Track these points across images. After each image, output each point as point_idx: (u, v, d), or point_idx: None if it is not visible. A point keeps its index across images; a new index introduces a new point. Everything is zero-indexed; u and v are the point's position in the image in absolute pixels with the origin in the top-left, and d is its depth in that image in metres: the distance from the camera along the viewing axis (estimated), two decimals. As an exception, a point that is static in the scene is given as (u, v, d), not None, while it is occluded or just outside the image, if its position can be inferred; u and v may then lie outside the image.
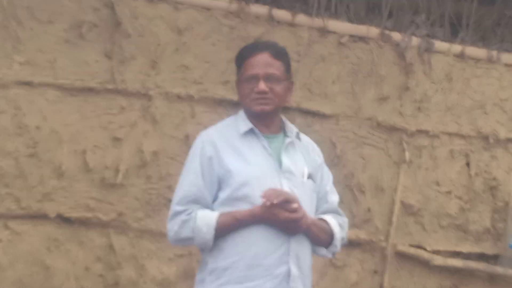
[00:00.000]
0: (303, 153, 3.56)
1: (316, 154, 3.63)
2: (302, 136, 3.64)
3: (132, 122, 4.98)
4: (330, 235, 3.49)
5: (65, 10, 4.85)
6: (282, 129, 3.56)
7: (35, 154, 4.82)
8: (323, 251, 3.53)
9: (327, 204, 3.57)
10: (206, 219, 3.33)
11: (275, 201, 3.22)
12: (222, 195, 3.39)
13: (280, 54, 3.48)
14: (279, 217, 3.27)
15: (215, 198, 3.41)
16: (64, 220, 4.91)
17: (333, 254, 3.58)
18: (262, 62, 3.42)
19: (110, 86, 4.93)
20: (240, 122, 3.49)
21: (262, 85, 3.40)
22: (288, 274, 3.32)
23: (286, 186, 3.38)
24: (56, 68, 4.83)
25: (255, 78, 3.41)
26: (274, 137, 3.50)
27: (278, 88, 3.44)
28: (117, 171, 4.95)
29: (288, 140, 3.50)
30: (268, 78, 3.41)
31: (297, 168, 3.45)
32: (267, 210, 3.26)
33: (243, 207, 3.33)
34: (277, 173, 3.40)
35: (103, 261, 4.99)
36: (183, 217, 3.37)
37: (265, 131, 3.48)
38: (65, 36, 4.86)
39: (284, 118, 3.58)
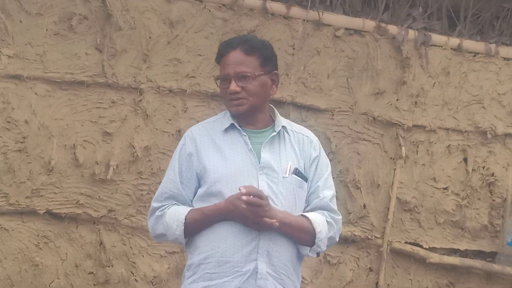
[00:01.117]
0: (296, 147, 3.51)
1: (312, 147, 3.54)
2: (301, 130, 3.58)
3: (123, 116, 4.98)
4: (312, 235, 3.40)
5: (55, 3, 4.84)
6: (273, 124, 3.52)
7: (24, 149, 4.83)
8: (306, 250, 3.45)
9: (317, 200, 3.49)
10: (176, 215, 3.36)
11: (243, 195, 3.20)
12: (200, 191, 3.40)
13: (253, 48, 3.42)
14: (240, 210, 3.23)
15: (195, 195, 3.43)
16: (53, 216, 4.93)
17: (318, 254, 3.50)
18: (233, 61, 3.39)
19: (100, 80, 4.93)
20: (225, 118, 3.49)
21: (233, 86, 3.38)
22: (255, 272, 3.29)
23: (263, 182, 3.35)
24: (45, 62, 4.84)
25: (227, 78, 3.40)
26: (260, 132, 3.47)
27: (251, 86, 3.39)
28: (107, 166, 4.96)
29: (271, 134, 3.47)
30: (239, 77, 3.38)
31: (279, 164, 3.40)
32: (230, 203, 3.25)
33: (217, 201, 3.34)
34: (255, 169, 3.37)
35: (93, 258, 4.99)
36: (157, 213, 3.42)
37: (249, 127, 3.46)
38: (55, 28, 4.86)
39: (276, 113, 3.55)
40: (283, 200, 3.36)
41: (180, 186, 3.41)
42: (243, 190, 3.22)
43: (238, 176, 3.34)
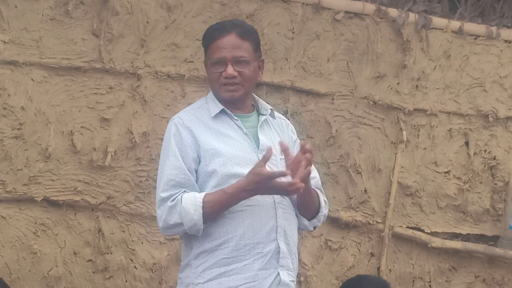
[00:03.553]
0: (278, 130, 3.54)
1: (290, 130, 3.61)
2: (277, 114, 3.62)
3: (121, 102, 4.94)
4: (317, 208, 3.49)
5: (51, -13, 4.80)
6: (254, 108, 3.54)
7: (20, 135, 4.79)
8: (305, 221, 3.50)
9: (312, 181, 3.49)
10: (193, 200, 3.28)
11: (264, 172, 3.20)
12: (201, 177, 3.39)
13: (248, 33, 3.43)
14: (266, 176, 3.20)
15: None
16: (51, 203, 4.89)
17: (314, 227, 3.56)
18: (230, 44, 3.37)
19: (97, 65, 4.89)
20: (210, 104, 3.46)
21: (230, 69, 3.36)
22: (277, 251, 3.31)
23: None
24: (41, 47, 4.79)
25: (223, 62, 3.38)
26: (247, 116, 3.49)
27: (247, 71, 3.40)
28: (105, 153, 4.92)
29: (263, 118, 3.49)
30: (236, 61, 3.38)
31: (273, 146, 3.38)
32: (252, 173, 3.21)
33: (222, 186, 3.32)
34: (255, 152, 3.39)
35: (92, 245, 4.97)
36: (169, 203, 3.32)
37: (238, 112, 3.47)
38: (51, 13, 4.80)
39: (255, 96, 3.56)
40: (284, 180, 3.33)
41: (187, 171, 3.34)
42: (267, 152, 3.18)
43: (240, 160, 3.32)
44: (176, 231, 3.37)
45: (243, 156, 3.34)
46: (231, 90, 3.38)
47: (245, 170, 3.28)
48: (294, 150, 3.47)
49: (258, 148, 3.40)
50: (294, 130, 3.63)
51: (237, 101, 3.43)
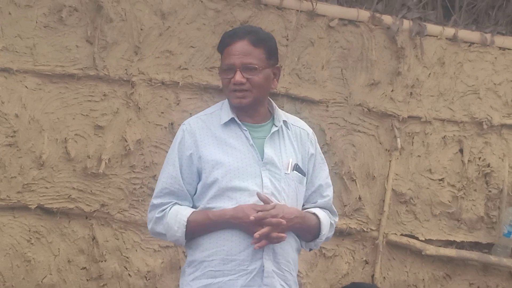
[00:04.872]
0: (294, 142, 3.50)
1: (309, 141, 3.55)
2: (296, 122, 3.58)
3: (115, 109, 4.95)
4: (315, 235, 3.48)
5: (44, -6, 4.80)
6: (271, 117, 3.51)
7: (14, 143, 4.79)
8: (302, 242, 3.51)
9: (322, 200, 3.54)
10: (178, 217, 3.34)
11: (251, 217, 3.23)
12: (201, 187, 3.39)
13: (261, 40, 3.41)
14: (249, 220, 3.25)
15: (195, 191, 3.41)
16: (45, 211, 4.90)
17: (310, 249, 3.58)
18: (240, 51, 3.36)
19: (91, 73, 4.90)
20: (223, 111, 3.45)
21: (238, 76, 3.35)
22: (262, 270, 3.30)
23: (266, 179, 3.35)
24: (35, 54, 4.81)
25: (232, 69, 3.36)
26: (260, 126, 3.46)
27: (257, 78, 3.37)
28: (99, 160, 4.93)
29: (274, 129, 3.45)
30: (245, 68, 3.36)
31: (281, 159, 3.41)
32: (241, 210, 3.26)
33: (220, 198, 3.34)
34: (258, 165, 3.37)
35: (86, 253, 4.97)
36: (157, 213, 3.40)
37: (249, 121, 3.45)
38: (45, 20, 4.82)
39: (274, 105, 3.53)
40: (286, 197, 3.36)
41: (182, 182, 3.38)
42: (261, 197, 3.24)
43: (241, 172, 3.32)
44: (163, 238, 3.45)
45: (244, 169, 3.33)
46: (239, 96, 3.36)
47: (244, 184, 3.30)
48: (309, 165, 3.50)
49: (262, 160, 3.37)
50: (313, 141, 3.57)
51: (248, 108, 3.41)
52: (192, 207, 3.40)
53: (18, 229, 4.84)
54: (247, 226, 3.25)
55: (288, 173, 3.39)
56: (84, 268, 4.96)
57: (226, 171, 3.32)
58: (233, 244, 3.29)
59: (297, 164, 3.44)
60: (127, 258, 5.00)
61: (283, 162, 3.40)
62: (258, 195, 3.26)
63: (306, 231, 3.44)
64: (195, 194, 3.41)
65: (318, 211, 3.49)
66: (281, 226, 3.26)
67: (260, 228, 3.24)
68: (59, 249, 4.91)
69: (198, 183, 3.39)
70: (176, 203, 3.38)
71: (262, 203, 3.28)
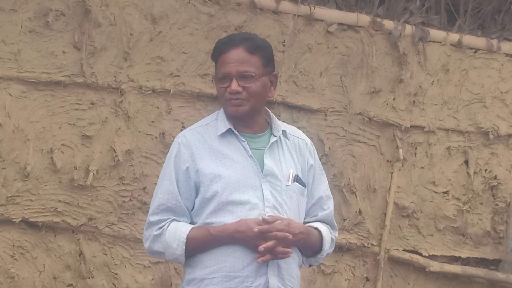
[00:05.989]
0: (293, 152, 3.48)
1: (308, 151, 3.54)
2: (294, 131, 3.58)
3: (103, 118, 4.92)
4: (316, 251, 3.47)
5: (30, -3, 4.82)
6: (268, 127, 3.49)
7: (-3, 153, 4.80)
8: (303, 257, 3.49)
9: (323, 212, 3.54)
10: (177, 234, 3.32)
11: (255, 229, 3.21)
12: (199, 202, 3.36)
13: (257, 47, 3.38)
14: (252, 233, 3.23)
15: (193, 206, 3.40)
16: (30, 225, 4.86)
17: (310, 265, 3.58)
18: (236, 59, 3.34)
19: (79, 80, 4.86)
20: (219, 122, 3.43)
21: (234, 85, 3.32)
22: (267, 286, 3.28)
23: (267, 191, 3.33)
24: (20, 61, 4.78)
25: (228, 77, 3.34)
26: (258, 137, 3.44)
27: (254, 86, 3.34)
28: (87, 171, 4.89)
29: (273, 139, 3.43)
30: (241, 76, 3.33)
31: (281, 171, 3.39)
32: (244, 224, 3.24)
33: (220, 212, 3.32)
34: (258, 176, 3.35)
35: (73, 269, 4.94)
36: (155, 231, 3.37)
37: (247, 131, 3.43)
38: (30, 25, 4.79)
39: (271, 114, 3.52)
40: (288, 210, 3.36)
41: (179, 197, 3.36)
42: (267, 219, 3.22)
43: (241, 185, 3.28)
44: (161, 257, 3.42)
45: (244, 181, 3.30)
46: (236, 104, 3.34)
47: (245, 197, 3.29)
48: (309, 177, 3.49)
49: (262, 172, 3.35)
50: (312, 152, 3.56)
51: (245, 118, 3.39)
52: (190, 223, 3.36)
53: (1, 244, 4.79)
54: (250, 240, 3.23)
55: (289, 185, 3.37)
56: (71, 285, 4.91)
57: (226, 184, 3.29)
58: (236, 260, 3.27)
59: (297, 175, 3.42)
60: (116, 274, 4.95)
61: (283, 174, 3.38)
62: (264, 219, 3.23)
63: (309, 247, 3.42)
64: (192, 209, 3.37)
65: (320, 225, 3.48)
66: (287, 241, 3.23)
67: (264, 242, 3.20)
68: (44, 265, 4.86)
69: (195, 198, 3.36)
70: (174, 219, 3.35)
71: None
